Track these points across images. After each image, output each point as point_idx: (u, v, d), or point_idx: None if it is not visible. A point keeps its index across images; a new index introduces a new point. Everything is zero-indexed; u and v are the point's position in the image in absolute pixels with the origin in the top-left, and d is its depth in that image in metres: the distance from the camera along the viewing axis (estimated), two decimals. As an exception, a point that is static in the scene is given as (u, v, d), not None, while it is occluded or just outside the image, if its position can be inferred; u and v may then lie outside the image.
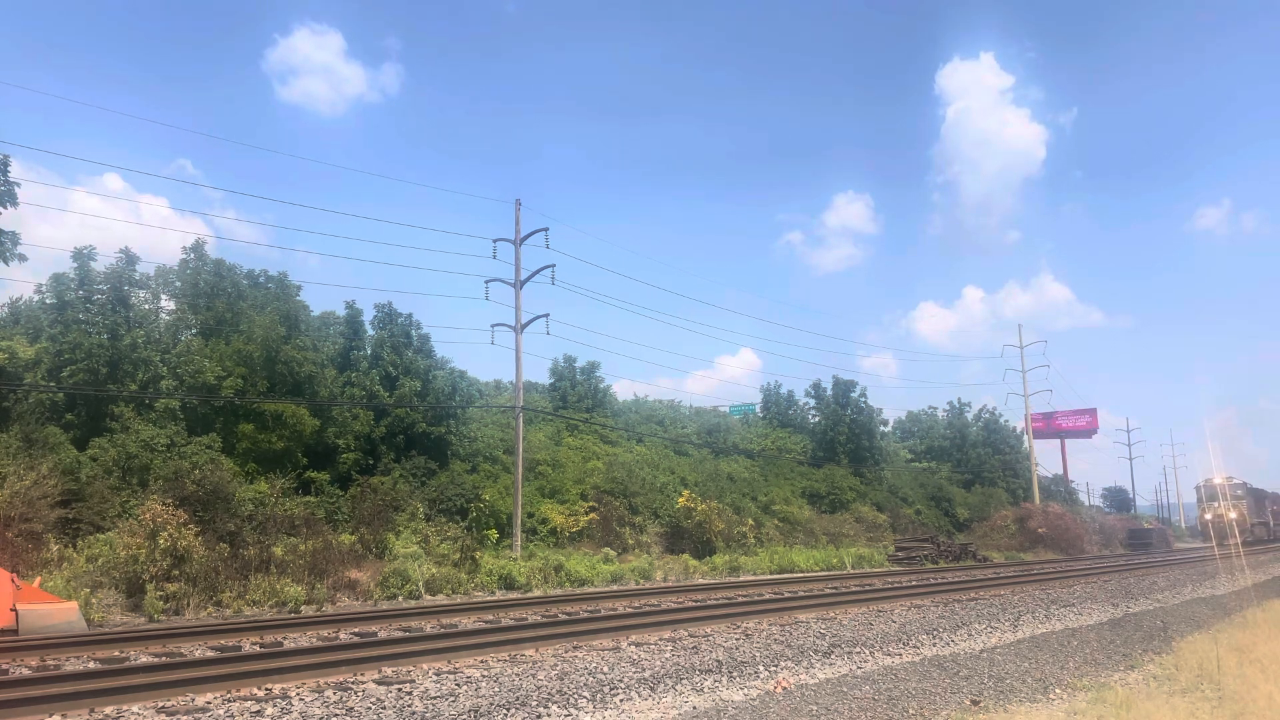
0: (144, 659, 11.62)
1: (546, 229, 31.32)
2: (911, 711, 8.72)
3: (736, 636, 13.21)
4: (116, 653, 12.09)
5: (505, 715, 8.28)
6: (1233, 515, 58.94)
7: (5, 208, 22.49)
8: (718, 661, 10.98)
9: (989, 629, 14.90)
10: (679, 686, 9.73)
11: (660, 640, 12.83)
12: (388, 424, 31.03)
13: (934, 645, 13.13)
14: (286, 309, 30.85)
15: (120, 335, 26.01)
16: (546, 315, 31.79)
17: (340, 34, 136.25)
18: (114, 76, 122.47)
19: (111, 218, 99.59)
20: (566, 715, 8.47)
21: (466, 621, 15.95)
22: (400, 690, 9.19)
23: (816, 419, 57.34)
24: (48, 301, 27.28)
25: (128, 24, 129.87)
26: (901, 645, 12.90)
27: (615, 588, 25.41)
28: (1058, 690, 10.09)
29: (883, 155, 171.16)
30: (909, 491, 54.51)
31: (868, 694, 9.26)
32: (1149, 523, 74.18)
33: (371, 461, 30.47)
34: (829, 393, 55.66)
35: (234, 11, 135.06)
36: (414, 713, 8.20)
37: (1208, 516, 61.37)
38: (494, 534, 29.71)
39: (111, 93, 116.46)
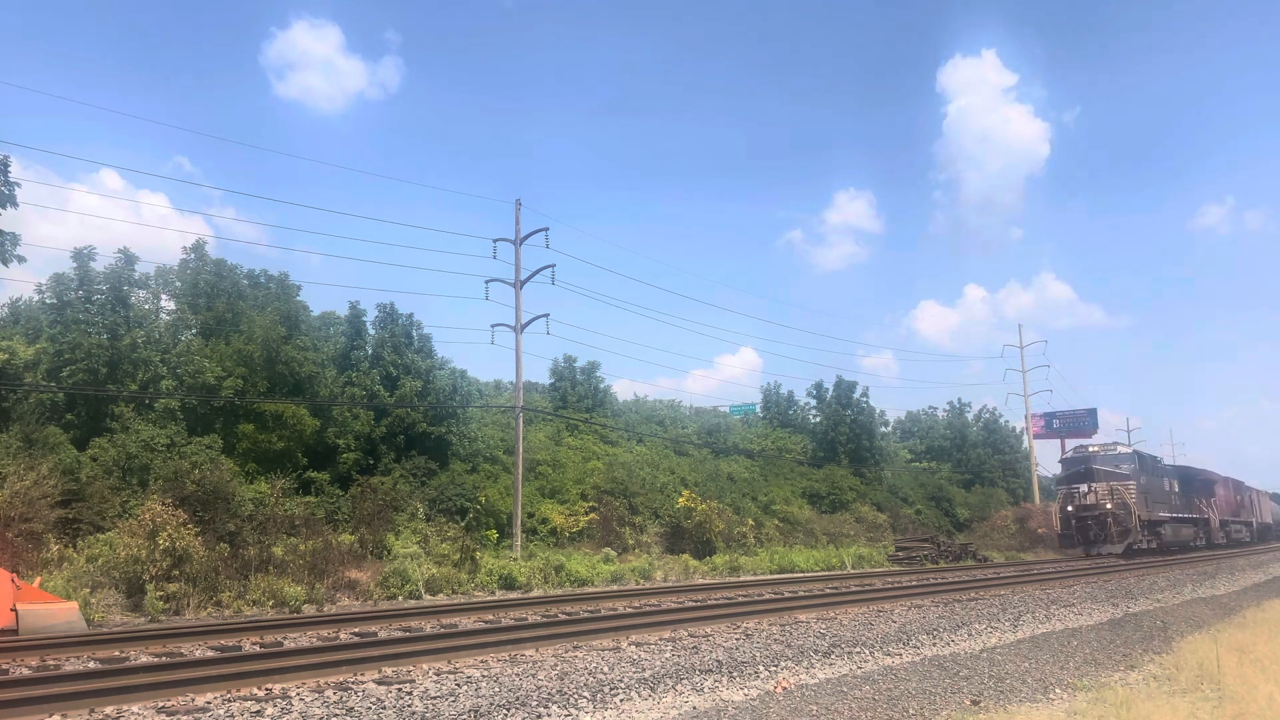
0: (144, 659, 11.61)
1: (546, 229, 31.38)
2: (912, 711, 8.71)
3: (736, 636, 13.20)
4: (116, 653, 12.08)
5: (505, 715, 8.28)
6: (1109, 505, 36.43)
7: (5, 209, 22.48)
8: (718, 661, 10.97)
9: (989, 629, 14.89)
10: (679, 686, 9.72)
11: (660, 640, 12.82)
12: (388, 424, 31.03)
13: (934, 645, 13.12)
14: (287, 309, 30.86)
15: (120, 335, 26.01)
16: (546, 315, 31.86)
17: (339, 27, 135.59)
18: (106, 71, 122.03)
19: (110, 217, 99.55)
20: (566, 715, 8.47)
21: (466, 621, 15.95)
22: (400, 690, 9.19)
23: (817, 419, 57.34)
24: (47, 301, 27.28)
25: (119, 17, 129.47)
26: (901, 645, 12.89)
27: (615, 588, 25.41)
28: (1058, 690, 10.09)
29: (884, 153, 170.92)
30: (909, 491, 54.51)
31: (868, 694, 9.26)
32: None
33: (372, 461, 30.47)
34: (830, 393, 55.69)
35: (230, 4, 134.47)
36: (414, 713, 8.20)
37: (1069, 508, 38.03)
38: (494, 534, 29.71)
39: (104, 88, 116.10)
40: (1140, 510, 37.18)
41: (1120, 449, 40.49)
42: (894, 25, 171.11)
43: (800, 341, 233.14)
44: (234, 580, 19.69)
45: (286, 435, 28.36)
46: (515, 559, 27.06)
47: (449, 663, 11.01)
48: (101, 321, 26.10)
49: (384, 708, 8.36)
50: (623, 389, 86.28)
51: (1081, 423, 75.33)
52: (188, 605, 18.54)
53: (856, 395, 54.91)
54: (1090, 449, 41.36)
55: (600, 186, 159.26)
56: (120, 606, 18.05)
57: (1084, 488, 37.90)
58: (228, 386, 27.47)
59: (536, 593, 24.02)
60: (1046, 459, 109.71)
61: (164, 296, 30.90)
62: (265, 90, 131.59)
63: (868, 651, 12.23)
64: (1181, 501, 44.24)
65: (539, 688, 9.27)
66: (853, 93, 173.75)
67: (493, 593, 23.97)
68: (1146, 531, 38.26)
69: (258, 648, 12.62)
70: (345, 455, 29.79)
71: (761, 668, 10.82)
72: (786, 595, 20.19)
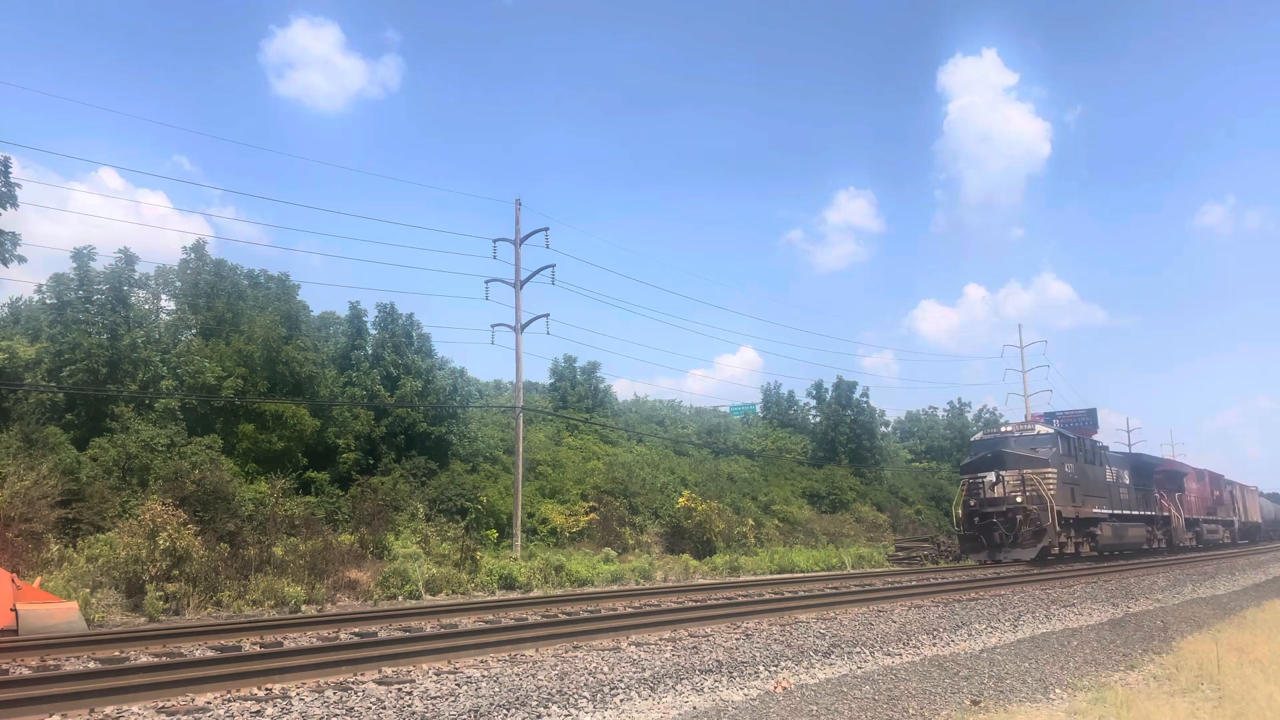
0: (144, 659, 11.61)
1: (546, 229, 31.41)
2: (911, 711, 8.72)
3: (736, 636, 13.20)
4: (116, 653, 12.08)
5: (505, 715, 8.28)
6: (1019, 499, 28.97)
7: (5, 209, 22.48)
8: (718, 661, 10.97)
9: (989, 629, 14.89)
10: (679, 686, 9.72)
11: (660, 640, 12.81)
12: (388, 424, 31.06)
13: (934, 645, 13.12)
14: (287, 309, 30.91)
15: (120, 335, 26.03)
16: (546, 315, 31.88)
17: (338, 26, 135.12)
18: (104, 68, 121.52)
19: (110, 216, 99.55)
20: (566, 715, 8.47)
21: (466, 621, 15.95)
22: (400, 690, 9.18)
23: (817, 419, 57.46)
24: (47, 301, 27.31)
25: (118, 15, 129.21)
26: (901, 645, 12.89)
27: (615, 588, 25.41)
28: (1058, 690, 10.09)
29: (884, 152, 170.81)
30: (909, 491, 54.58)
31: (868, 694, 9.26)
32: None
33: (372, 461, 30.48)
34: (830, 393, 55.82)
35: (229, 2, 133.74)
36: (414, 713, 8.20)
37: (972, 502, 30.48)
38: (494, 534, 29.73)
39: (102, 85, 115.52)
40: (1062, 504, 29.54)
41: (1040, 429, 32.43)
42: (894, 25, 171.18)
43: (800, 341, 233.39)
44: (234, 580, 19.70)
45: (286, 435, 28.38)
46: (515, 559, 27.06)
47: (449, 663, 11.00)
48: (101, 321, 26.11)
49: (384, 708, 8.36)
50: (623, 389, 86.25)
51: (1081, 423, 74.83)
52: (188, 605, 18.55)
53: (856, 395, 55.07)
54: (1003, 428, 33.96)
55: (600, 186, 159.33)
56: (120, 606, 18.05)
57: (990, 477, 30.22)
58: (228, 386, 27.48)
59: (536, 593, 24.02)
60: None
61: (164, 296, 30.96)
62: (265, 89, 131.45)
63: (868, 651, 12.23)
64: (1133, 496, 36.79)
65: (539, 688, 9.27)
66: (853, 92, 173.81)
67: (493, 593, 23.98)
68: (1074, 532, 31.03)
69: (258, 648, 12.62)
70: (345, 455, 29.81)
71: (761, 668, 10.81)
72: (786, 595, 20.19)
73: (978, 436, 35.25)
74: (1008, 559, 29.69)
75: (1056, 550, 30.13)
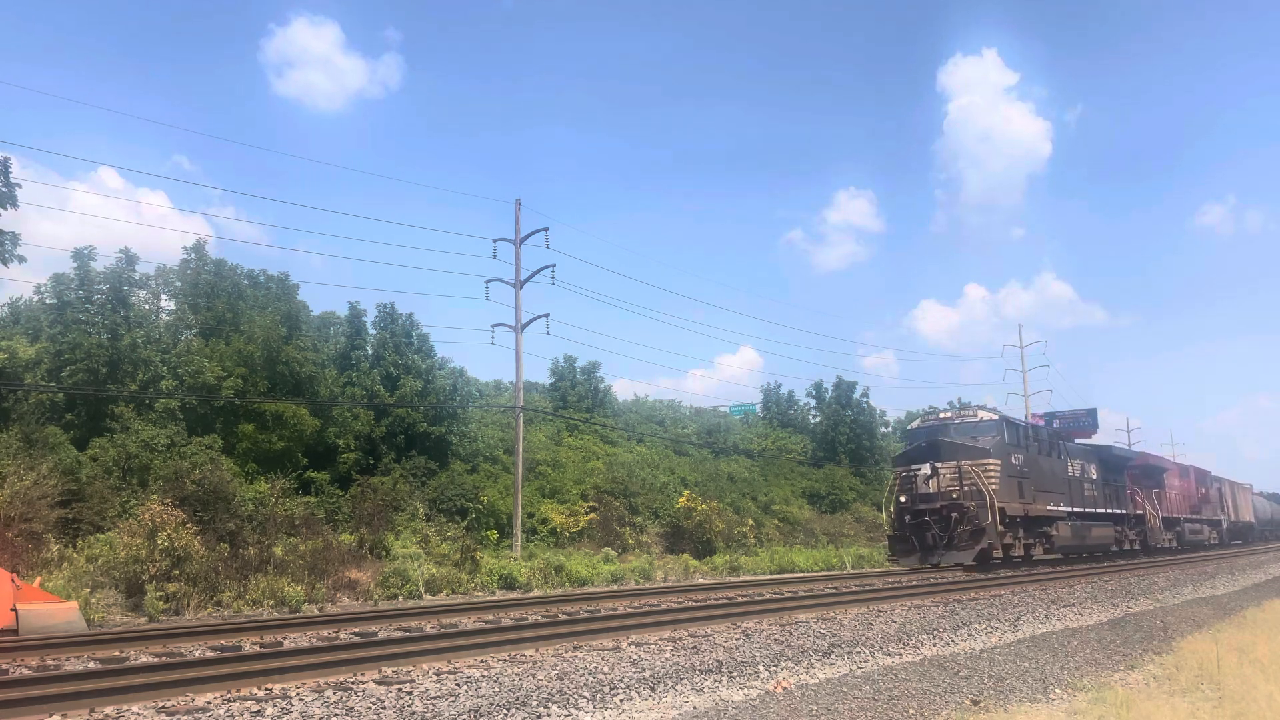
0: (144, 659, 11.61)
1: (547, 229, 31.43)
2: (911, 711, 8.72)
3: (736, 636, 13.20)
4: (116, 653, 12.08)
5: (505, 715, 8.28)
6: (955, 495, 25.42)
7: (5, 209, 22.48)
8: (718, 661, 10.97)
9: (989, 629, 14.89)
10: (679, 686, 9.72)
11: (660, 640, 12.81)
12: (388, 424, 31.07)
13: (934, 645, 13.12)
14: (287, 309, 30.94)
15: (120, 335, 26.04)
16: (546, 315, 31.91)
17: (338, 25, 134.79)
18: (104, 68, 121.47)
19: (110, 216, 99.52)
20: (566, 715, 8.46)
21: (466, 621, 15.94)
22: (400, 690, 9.18)
23: (817, 419, 57.52)
24: (47, 301, 27.32)
25: (117, 14, 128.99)
26: (901, 645, 12.89)
27: (615, 588, 25.41)
28: (1058, 690, 10.09)
29: (885, 152, 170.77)
30: (909, 491, 54.52)
31: (868, 694, 9.26)
32: None
33: (372, 461, 30.50)
34: (830, 393, 55.90)
35: (229, 1, 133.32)
36: (414, 713, 8.19)
37: (903, 499, 26.82)
38: (494, 534, 29.74)
39: (101, 84, 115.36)
40: (1006, 500, 25.75)
41: (982, 415, 28.05)
42: (894, 24, 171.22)
43: (800, 341, 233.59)
44: (234, 580, 19.71)
45: (286, 435, 28.40)
46: (515, 559, 27.07)
47: (449, 663, 11.00)
48: (101, 321, 26.12)
49: (384, 708, 8.36)
50: (623, 389, 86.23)
51: (1081, 423, 74.39)
52: (188, 605, 18.56)
53: (856, 395, 55.16)
54: (943, 415, 29.79)
55: (599, 184, 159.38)
56: (120, 606, 18.06)
57: (925, 470, 26.33)
58: (228, 386, 27.49)
59: (536, 593, 24.02)
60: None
61: (164, 296, 31.00)
62: (264, 88, 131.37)
63: (868, 651, 12.23)
64: (1101, 493, 32.99)
65: (539, 687, 9.27)
66: (853, 92, 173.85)
67: (493, 593, 23.98)
68: (1023, 531, 27.55)
69: (258, 648, 12.61)
70: (345, 455, 29.82)
71: (761, 668, 10.81)
72: (786, 595, 20.18)
73: (914, 424, 30.44)
74: (943, 563, 26.72)
75: (1000, 553, 26.75)
